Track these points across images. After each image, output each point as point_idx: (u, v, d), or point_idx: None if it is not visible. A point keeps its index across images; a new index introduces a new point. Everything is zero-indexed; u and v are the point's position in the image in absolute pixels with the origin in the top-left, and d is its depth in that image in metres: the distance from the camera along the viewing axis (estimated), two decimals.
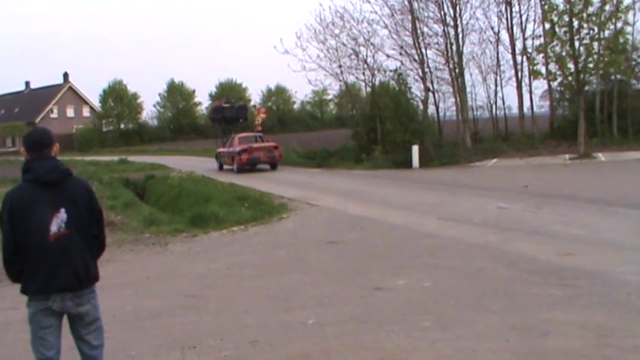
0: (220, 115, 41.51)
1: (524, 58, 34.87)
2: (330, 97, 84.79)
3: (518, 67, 35.51)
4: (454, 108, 35.81)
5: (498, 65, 37.24)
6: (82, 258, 4.71)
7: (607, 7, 28.89)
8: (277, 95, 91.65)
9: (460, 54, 34.63)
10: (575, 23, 28.89)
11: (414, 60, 35.04)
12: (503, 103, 38.62)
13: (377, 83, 36.79)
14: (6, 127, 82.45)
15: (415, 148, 29.73)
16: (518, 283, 8.99)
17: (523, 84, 35.73)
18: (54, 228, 4.59)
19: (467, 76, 36.49)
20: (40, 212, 4.58)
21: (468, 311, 7.76)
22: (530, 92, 36.36)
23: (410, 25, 34.65)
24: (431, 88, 35.54)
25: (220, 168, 36.31)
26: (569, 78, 30.42)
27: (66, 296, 4.64)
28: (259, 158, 33.35)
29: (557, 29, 29.65)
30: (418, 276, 9.78)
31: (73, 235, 4.66)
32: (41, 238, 4.57)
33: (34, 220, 4.57)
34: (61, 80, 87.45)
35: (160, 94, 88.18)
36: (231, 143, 34.82)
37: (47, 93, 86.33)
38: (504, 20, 35.69)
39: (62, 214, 4.62)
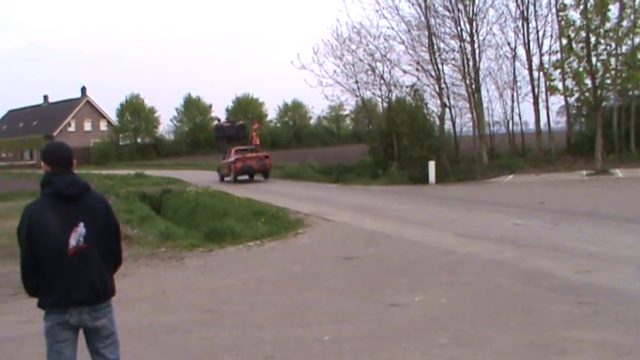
0: (222, 134, 46.20)
1: (541, 73, 34.78)
2: (346, 112, 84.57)
3: (535, 82, 35.42)
4: (471, 124, 35.80)
5: (515, 81, 37.19)
6: (99, 272, 4.72)
7: (624, 23, 28.87)
8: (294, 110, 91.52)
9: (477, 70, 34.63)
10: (593, 39, 28.85)
11: (431, 76, 35.11)
12: (520, 118, 38.56)
13: (393, 99, 36.95)
14: (24, 141, 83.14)
15: (432, 164, 29.70)
16: (535, 300, 8.92)
17: (540, 100, 35.65)
18: (73, 242, 4.60)
19: (483, 92, 36.56)
20: (59, 226, 4.58)
21: (484, 328, 7.71)
22: (547, 108, 36.30)
23: (426, 41, 34.77)
24: (447, 103, 35.56)
25: (222, 179, 39.45)
26: (587, 94, 30.33)
27: (83, 310, 4.64)
28: (252, 166, 37.28)
29: (574, 45, 29.60)
30: (435, 292, 9.73)
31: (91, 249, 4.66)
32: (60, 252, 4.57)
33: (53, 233, 4.57)
34: (78, 94, 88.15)
35: (176, 109, 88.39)
36: (229, 155, 38.62)
37: (65, 107, 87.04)
38: (521, 36, 35.68)
39: (81, 228, 4.62)
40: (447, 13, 34.46)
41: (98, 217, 4.74)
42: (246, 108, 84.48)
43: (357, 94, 38.62)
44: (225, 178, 38.89)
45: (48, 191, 4.65)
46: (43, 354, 4.77)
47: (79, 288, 4.60)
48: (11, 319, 9.61)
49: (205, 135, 79.28)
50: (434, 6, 34.59)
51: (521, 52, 36.23)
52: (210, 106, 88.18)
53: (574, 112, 36.24)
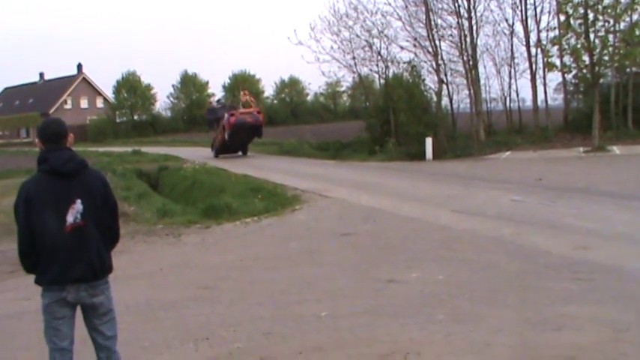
0: (214, 116, 44.60)
1: (539, 50, 34.63)
2: (343, 88, 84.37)
3: (533, 59, 35.22)
4: (468, 100, 35.60)
5: (512, 57, 37.02)
6: (97, 249, 4.71)
7: (623, 0, 28.68)
8: (290, 87, 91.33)
9: (474, 46, 34.45)
10: (591, 15, 28.63)
11: (428, 52, 34.92)
12: (517, 95, 38.40)
13: (390, 75, 36.83)
14: (20, 118, 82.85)
15: (429, 141, 29.67)
16: (532, 277, 8.95)
17: (537, 76, 35.48)
18: (70, 219, 4.58)
19: (481, 69, 36.38)
20: (56, 203, 4.57)
21: (481, 305, 7.73)
22: (545, 85, 36.11)
23: (424, 17, 34.51)
24: (445, 80, 35.40)
25: (216, 155, 39.16)
26: (584, 70, 30.23)
27: (80, 287, 4.64)
28: (245, 120, 36.23)
29: (572, 21, 29.38)
30: (432, 269, 9.76)
31: (89, 226, 4.65)
32: (57, 229, 4.56)
33: (51, 210, 4.55)
34: (74, 71, 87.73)
35: (173, 86, 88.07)
36: (221, 122, 38.30)
37: (61, 84, 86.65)
38: (519, 12, 35.45)
39: (78, 205, 4.60)
40: None
41: (95, 194, 4.72)
42: (242, 84, 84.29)
43: (354, 70, 38.50)
44: (220, 155, 38.69)
45: (44, 168, 4.62)
46: (40, 330, 4.77)
47: (76, 265, 4.59)
48: (9, 296, 9.64)
49: (202, 112, 79.07)
50: None
51: (518, 28, 36.10)
52: (207, 82, 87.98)
53: (571, 88, 36.19)
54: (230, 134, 36.21)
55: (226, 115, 36.75)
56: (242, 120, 36.15)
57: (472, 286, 8.62)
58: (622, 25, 29.56)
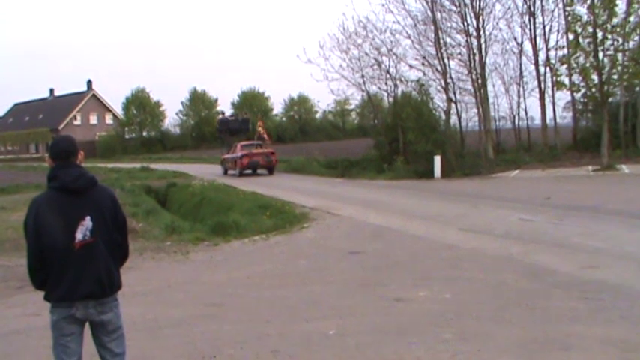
0: (225, 127, 46.16)
1: (548, 69, 34.64)
2: (352, 106, 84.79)
3: (541, 78, 35.24)
4: (476, 118, 35.61)
5: (521, 76, 37.00)
6: (105, 266, 4.74)
7: (631, 19, 28.69)
8: (299, 104, 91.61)
9: (483, 64, 34.50)
10: (599, 34, 28.69)
11: (437, 70, 34.97)
12: (526, 114, 38.29)
13: (399, 93, 36.93)
14: (30, 134, 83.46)
15: (437, 159, 29.67)
16: (540, 296, 8.92)
17: (546, 95, 35.46)
18: (79, 235, 4.61)
19: (489, 87, 36.37)
20: (65, 220, 4.60)
21: (489, 324, 7.72)
22: (553, 103, 36.06)
23: (433, 36, 34.63)
24: (453, 98, 35.41)
25: (225, 173, 39.95)
26: (593, 89, 30.18)
27: (89, 304, 4.66)
28: (258, 162, 37.70)
29: (580, 40, 29.44)
30: (439, 287, 9.74)
31: (98, 243, 4.68)
32: (67, 246, 4.59)
33: (60, 227, 4.58)
34: (84, 88, 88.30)
35: (182, 103, 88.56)
36: (234, 150, 38.84)
37: (71, 100, 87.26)
38: (527, 31, 35.47)
39: (87, 222, 4.64)
40: (454, 8, 34.33)
41: (105, 211, 4.75)
42: (251, 102, 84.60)
43: (363, 88, 38.57)
44: (230, 172, 39.24)
45: (55, 185, 4.66)
46: (49, 347, 4.80)
47: (85, 282, 4.62)
48: (17, 312, 9.66)
49: (211, 129, 79.36)
50: (440, 0, 34.48)
51: (527, 47, 36.17)
52: (216, 100, 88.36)
53: (580, 107, 36.07)
54: (241, 171, 37.37)
55: (239, 153, 37.65)
56: (255, 162, 37.54)
57: (479, 304, 8.61)
58: (631, 44, 29.61)
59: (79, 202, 4.64)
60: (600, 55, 28.78)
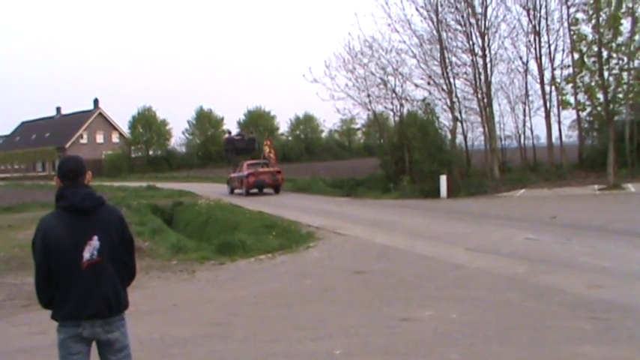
0: (232, 147, 46.36)
1: (553, 88, 34.69)
2: (357, 126, 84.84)
3: (547, 97, 35.30)
4: (482, 138, 35.68)
5: (527, 95, 37.09)
6: (113, 285, 4.75)
7: (637, 37, 28.74)
8: (305, 123, 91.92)
9: (488, 84, 34.59)
10: (605, 53, 28.72)
11: (443, 89, 35.08)
12: (532, 132, 38.34)
13: (405, 112, 36.98)
14: (36, 152, 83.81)
15: (443, 178, 29.66)
16: (546, 316, 8.89)
17: (552, 114, 35.49)
18: (87, 255, 4.63)
19: (495, 106, 36.45)
20: (73, 239, 4.62)
21: (495, 344, 7.69)
22: (559, 122, 36.08)
23: (438, 55, 34.77)
24: (459, 117, 35.51)
25: (231, 192, 40.14)
26: (599, 108, 30.18)
27: (96, 323, 4.67)
28: (264, 181, 37.66)
29: (586, 59, 29.48)
30: (445, 307, 9.72)
31: (105, 263, 4.70)
32: (74, 265, 4.60)
33: (68, 247, 4.60)
34: (91, 106, 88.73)
35: (188, 121, 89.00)
36: (241, 169, 39.17)
37: (77, 119, 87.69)
38: (533, 50, 35.57)
39: (95, 242, 4.66)
40: (459, 28, 34.51)
41: (112, 231, 4.77)
42: (257, 121, 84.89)
43: (369, 107, 38.69)
44: (236, 191, 39.38)
45: (62, 204, 4.68)
46: None
47: (92, 301, 4.63)
48: (23, 330, 9.65)
49: (217, 148, 79.64)
50: (446, 20, 34.67)
51: (533, 66, 36.19)
52: (222, 119, 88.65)
53: (586, 126, 36.07)
54: (247, 190, 37.45)
55: (245, 172, 37.87)
56: (261, 181, 37.53)
57: (486, 325, 8.58)
58: (636, 62, 29.63)
59: (86, 222, 4.66)
60: (606, 74, 28.79)
